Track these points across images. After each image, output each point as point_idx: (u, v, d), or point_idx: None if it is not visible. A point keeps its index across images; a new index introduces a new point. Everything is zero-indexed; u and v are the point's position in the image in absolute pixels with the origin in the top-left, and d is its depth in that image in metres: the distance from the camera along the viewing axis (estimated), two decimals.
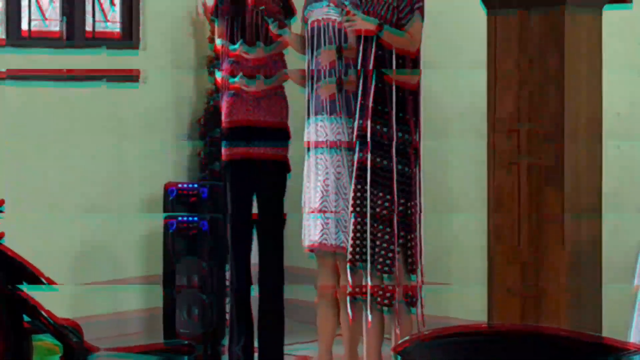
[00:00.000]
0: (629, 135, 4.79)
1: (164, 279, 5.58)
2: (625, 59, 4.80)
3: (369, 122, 4.29)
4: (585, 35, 3.85)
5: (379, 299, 4.26)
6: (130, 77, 6.23)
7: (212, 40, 6.29)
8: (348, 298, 4.36)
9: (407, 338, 0.98)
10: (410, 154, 4.29)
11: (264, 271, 5.05)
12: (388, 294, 4.23)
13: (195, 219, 5.53)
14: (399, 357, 1.04)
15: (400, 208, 4.23)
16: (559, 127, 3.76)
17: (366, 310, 4.31)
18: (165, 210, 5.61)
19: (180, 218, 5.55)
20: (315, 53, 4.70)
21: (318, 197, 4.64)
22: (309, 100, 4.74)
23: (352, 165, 4.45)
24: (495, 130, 3.95)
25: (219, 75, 5.21)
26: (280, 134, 5.05)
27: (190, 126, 6.51)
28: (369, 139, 4.29)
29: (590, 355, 0.89)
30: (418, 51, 4.35)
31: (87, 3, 6.16)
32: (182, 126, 6.50)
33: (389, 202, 4.24)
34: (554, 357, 0.89)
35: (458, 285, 5.54)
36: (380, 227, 4.26)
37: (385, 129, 4.29)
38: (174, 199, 5.57)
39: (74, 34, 6.10)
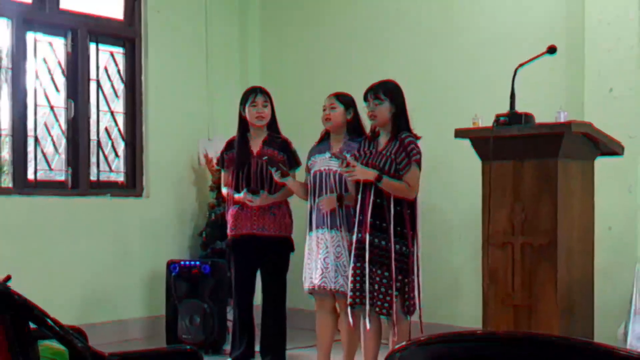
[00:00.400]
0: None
1: (166, 319, 5.87)
2: None
3: (367, 236, 4.38)
4: (579, 180, 3.93)
5: (377, 308, 4.36)
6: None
7: (212, 188, 6.44)
8: (349, 307, 4.48)
9: (403, 343, 1.00)
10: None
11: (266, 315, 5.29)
12: (386, 303, 4.33)
13: (198, 262, 5.85)
14: (396, 359, 1.05)
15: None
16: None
17: (365, 317, 4.41)
18: (167, 285, 5.86)
19: (182, 262, 5.88)
20: (317, 200, 4.84)
21: (318, 274, 4.78)
22: (310, 214, 4.90)
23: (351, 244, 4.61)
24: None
25: (224, 190, 5.36)
26: (284, 244, 5.21)
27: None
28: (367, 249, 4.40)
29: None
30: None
31: (92, 154, 6.31)
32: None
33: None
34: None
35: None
36: (379, 271, 4.35)
37: (383, 242, 4.37)
38: (176, 274, 5.78)
39: (79, 181, 6.21)
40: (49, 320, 2.02)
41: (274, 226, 5.14)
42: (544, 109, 4.39)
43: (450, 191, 5.78)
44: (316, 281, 4.79)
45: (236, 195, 5.17)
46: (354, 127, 4.92)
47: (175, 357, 2.40)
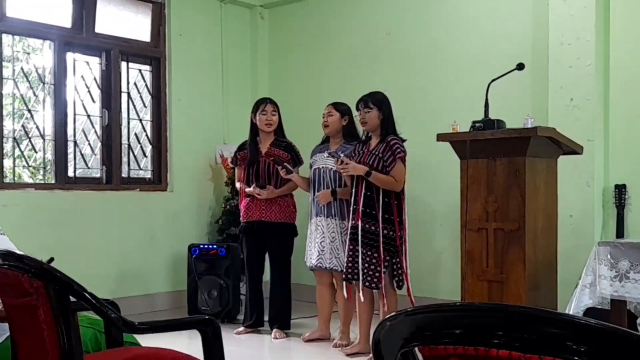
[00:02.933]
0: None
1: (188, 293, 5.84)
2: None
3: (359, 222, 4.41)
4: (544, 176, 3.92)
5: (368, 283, 4.41)
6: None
7: (227, 183, 6.46)
8: (344, 281, 4.58)
9: (393, 313, 1.00)
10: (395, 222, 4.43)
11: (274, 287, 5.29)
12: (375, 279, 4.38)
13: (215, 245, 5.85)
14: (387, 327, 1.05)
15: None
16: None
17: (359, 291, 4.48)
18: (188, 265, 5.84)
19: (202, 245, 5.87)
20: (316, 193, 4.93)
21: (315, 255, 4.91)
22: (311, 205, 5.01)
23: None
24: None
25: (238, 184, 5.41)
26: (288, 229, 5.24)
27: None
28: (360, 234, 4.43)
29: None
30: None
31: (123, 155, 6.32)
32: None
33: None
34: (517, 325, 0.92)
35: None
36: (370, 252, 4.41)
37: (373, 228, 4.40)
38: (197, 256, 5.78)
39: (112, 178, 6.22)
40: (87, 294, 2.01)
41: (279, 214, 5.19)
42: (514, 116, 4.39)
43: (434, 185, 5.79)
44: (314, 261, 4.94)
45: (247, 189, 5.23)
46: (349, 131, 4.97)
47: (196, 326, 2.38)
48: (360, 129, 4.83)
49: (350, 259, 4.51)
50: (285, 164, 5.01)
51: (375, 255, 4.41)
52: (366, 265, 4.43)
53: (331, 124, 4.93)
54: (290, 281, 5.33)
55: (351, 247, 4.50)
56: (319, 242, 4.91)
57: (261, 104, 5.26)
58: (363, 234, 4.43)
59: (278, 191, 5.16)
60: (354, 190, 4.52)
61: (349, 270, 4.52)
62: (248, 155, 5.28)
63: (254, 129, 5.30)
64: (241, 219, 5.35)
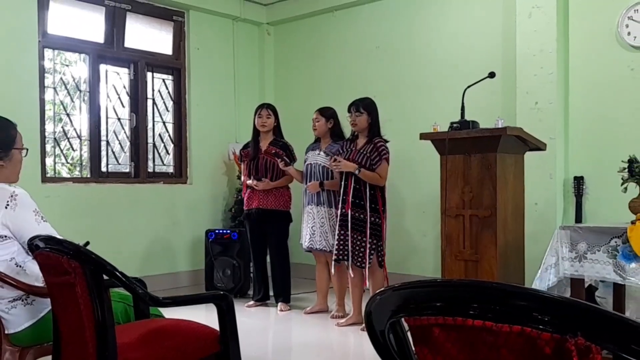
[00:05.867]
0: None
1: (205, 272, 5.85)
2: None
3: (349, 211, 4.42)
4: (512, 169, 3.91)
5: (356, 262, 4.44)
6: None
7: (238, 177, 6.45)
8: (334, 261, 4.59)
9: (382, 289, 1.01)
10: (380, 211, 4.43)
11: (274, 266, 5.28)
12: (363, 259, 4.41)
13: (228, 230, 5.83)
14: (377, 300, 1.05)
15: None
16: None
17: (348, 269, 4.51)
18: (205, 247, 5.85)
19: (217, 230, 5.85)
20: (307, 184, 4.97)
21: (307, 238, 4.96)
22: (304, 194, 5.02)
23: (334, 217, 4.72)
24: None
25: (242, 177, 5.44)
26: (283, 216, 5.23)
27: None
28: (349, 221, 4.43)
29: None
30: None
31: (149, 152, 6.31)
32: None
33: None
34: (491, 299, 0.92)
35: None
36: (358, 236, 4.42)
37: (361, 216, 4.40)
38: (213, 239, 5.78)
39: (140, 172, 6.21)
40: (118, 273, 2.01)
41: (275, 202, 5.19)
42: (486, 117, 4.39)
43: (418, 178, 5.77)
44: (306, 243, 4.97)
45: (247, 181, 5.26)
46: (335, 132, 5.02)
47: (212, 300, 2.38)
48: (346, 129, 4.88)
49: (340, 242, 4.50)
50: (283, 157, 5.07)
51: (363, 239, 4.40)
52: (356, 247, 4.43)
53: (319, 128, 4.99)
54: (288, 261, 5.31)
55: (341, 232, 4.48)
56: (310, 226, 4.93)
57: (259, 109, 5.29)
58: (353, 221, 4.42)
59: (273, 184, 5.17)
60: (343, 183, 4.50)
61: (339, 252, 4.51)
62: (250, 152, 5.29)
63: (256, 130, 5.30)
64: (244, 207, 5.35)
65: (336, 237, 4.55)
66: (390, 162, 4.51)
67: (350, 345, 4.27)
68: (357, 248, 4.42)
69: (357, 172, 4.37)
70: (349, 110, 4.56)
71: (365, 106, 4.50)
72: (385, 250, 4.52)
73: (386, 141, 4.51)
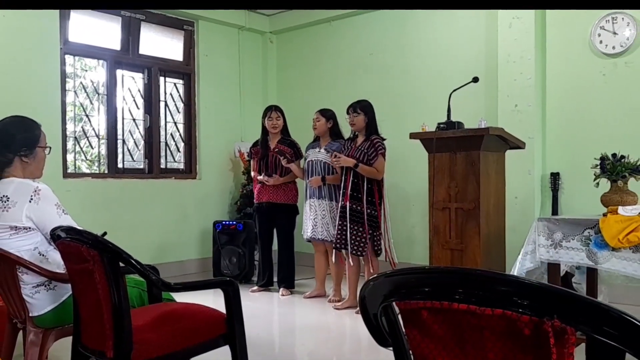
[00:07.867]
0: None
1: (213, 259, 5.85)
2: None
3: (348, 203, 4.40)
4: (494, 166, 3.91)
5: (354, 251, 4.43)
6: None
7: (244, 173, 6.44)
8: (334, 249, 4.58)
9: (375, 275, 1.01)
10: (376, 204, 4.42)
11: (281, 256, 5.25)
12: (360, 248, 4.40)
13: (234, 222, 5.81)
14: (370, 286, 1.06)
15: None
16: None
17: (347, 257, 4.51)
18: (213, 237, 5.83)
19: (224, 222, 5.82)
20: (309, 179, 4.93)
21: (310, 229, 4.92)
22: (306, 189, 4.99)
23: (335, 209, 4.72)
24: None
25: (252, 173, 5.39)
26: (291, 209, 5.22)
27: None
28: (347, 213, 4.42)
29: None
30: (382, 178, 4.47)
31: (161, 150, 6.29)
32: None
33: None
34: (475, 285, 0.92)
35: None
36: (356, 227, 4.41)
37: (359, 208, 4.38)
38: (220, 230, 5.77)
39: (153, 169, 6.19)
40: (133, 261, 2.01)
41: (284, 196, 5.17)
42: (470, 118, 4.39)
43: (408, 174, 5.77)
44: (309, 234, 4.94)
45: (258, 177, 5.23)
46: (334, 132, 4.99)
47: (219, 286, 2.38)
48: (344, 128, 4.88)
49: (339, 232, 4.50)
50: (286, 155, 5.07)
51: (361, 229, 4.40)
52: (353, 237, 4.42)
53: (319, 127, 4.95)
54: (293, 250, 5.31)
55: (340, 222, 4.49)
56: (312, 218, 4.91)
57: (268, 111, 5.24)
58: (351, 212, 4.42)
59: (282, 179, 5.15)
60: (343, 177, 4.51)
61: (338, 241, 4.52)
62: (260, 150, 5.27)
63: (265, 130, 5.27)
64: (254, 200, 5.33)
65: (336, 227, 4.56)
66: None
67: (346, 327, 4.27)
68: (355, 238, 4.42)
69: (355, 167, 4.37)
70: (347, 112, 4.56)
71: (362, 107, 4.50)
72: (390, 239, 4.50)
73: (383, 139, 4.50)
